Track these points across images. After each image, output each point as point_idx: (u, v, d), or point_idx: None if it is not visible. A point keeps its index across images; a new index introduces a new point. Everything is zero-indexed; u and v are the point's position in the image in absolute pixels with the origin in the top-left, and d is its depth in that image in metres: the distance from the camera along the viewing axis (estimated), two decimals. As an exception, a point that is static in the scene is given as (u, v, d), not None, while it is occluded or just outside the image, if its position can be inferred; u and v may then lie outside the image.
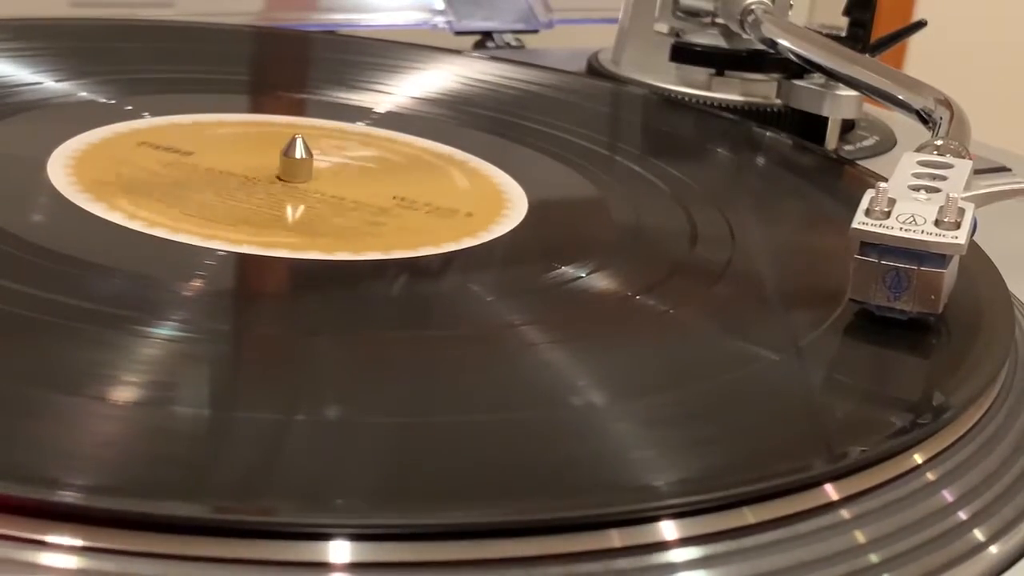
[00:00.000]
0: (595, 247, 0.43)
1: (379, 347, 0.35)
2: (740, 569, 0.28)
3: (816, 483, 0.30)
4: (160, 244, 0.39)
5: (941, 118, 0.48)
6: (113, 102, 0.52)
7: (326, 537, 0.26)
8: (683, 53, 0.64)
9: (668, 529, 0.28)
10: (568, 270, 0.41)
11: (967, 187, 0.40)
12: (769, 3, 0.62)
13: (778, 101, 0.62)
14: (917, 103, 0.52)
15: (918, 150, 0.43)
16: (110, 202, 0.41)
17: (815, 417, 0.34)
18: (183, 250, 0.39)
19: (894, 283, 0.37)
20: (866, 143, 0.63)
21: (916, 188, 0.39)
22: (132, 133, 0.49)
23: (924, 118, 0.51)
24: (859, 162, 0.58)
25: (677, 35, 0.65)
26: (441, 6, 0.79)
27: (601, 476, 0.29)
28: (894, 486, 0.31)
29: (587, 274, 0.40)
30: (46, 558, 0.25)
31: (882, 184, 0.38)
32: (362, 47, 0.64)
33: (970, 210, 0.38)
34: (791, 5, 0.64)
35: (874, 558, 0.29)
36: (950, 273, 0.37)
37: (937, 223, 0.37)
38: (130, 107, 0.51)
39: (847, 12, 0.65)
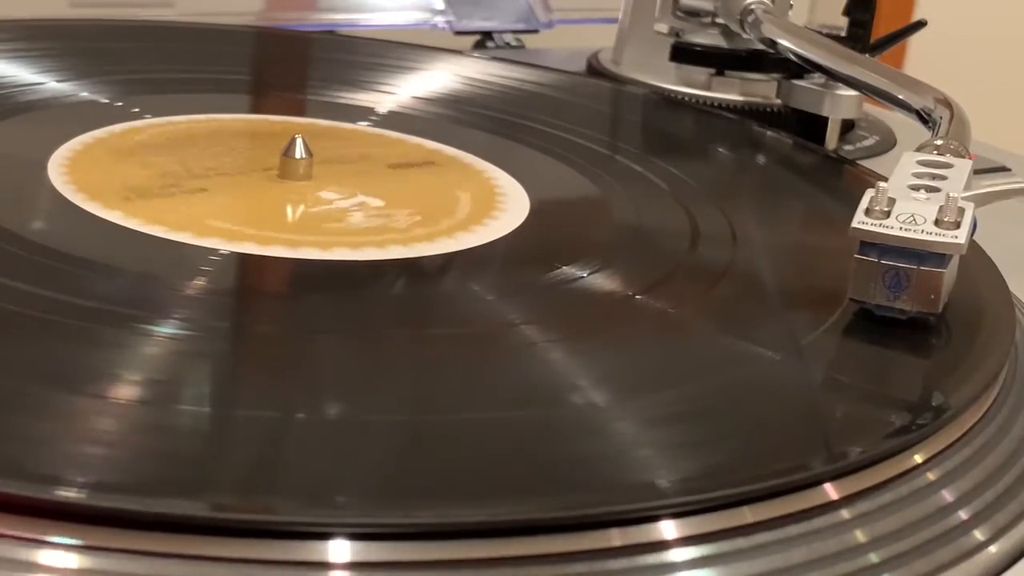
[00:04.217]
0: (596, 247, 0.43)
1: (380, 346, 0.35)
2: (740, 569, 0.28)
3: (816, 483, 0.30)
4: (161, 244, 0.39)
5: (941, 118, 0.48)
6: (113, 102, 0.52)
7: (326, 536, 0.26)
8: (683, 53, 0.64)
9: (668, 528, 0.28)
10: (569, 270, 0.41)
11: (967, 187, 0.40)
12: (769, 3, 0.62)
13: (778, 101, 0.62)
14: (917, 103, 0.52)
15: (918, 150, 0.43)
16: (111, 202, 0.42)
17: (815, 417, 0.34)
18: (184, 250, 0.39)
19: (894, 282, 0.37)
20: (866, 143, 0.63)
21: (916, 188, 0.39)
22: (132, 133, 0.49)
23: (924, 118, 0.51)
24: (859, 162, 0.58)
25: (677, 35, 0.65)
26: (441, 6, 0.79)
27: (601, 475, 0.29)
28: (894, 486, 0.31)
29: (588, 274, 0.40)
30: (46, 556, 0.25)
31: (882, 184, 0.38)
32: (362, 47, 0.65)
33: (970, 210, 0.38)
34: (791, 5, 0.64)
35: (874, 558, 0.29)
36: (950, 273, 0.37)
37: (937, 223, 0.37)
38: (130, 107, 0.51)
39: (847, 12, 0.65)
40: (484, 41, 0.79)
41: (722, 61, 0.64)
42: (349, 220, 0.43)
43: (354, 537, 0.26)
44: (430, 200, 0.46)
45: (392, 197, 0.45)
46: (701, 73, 0.64)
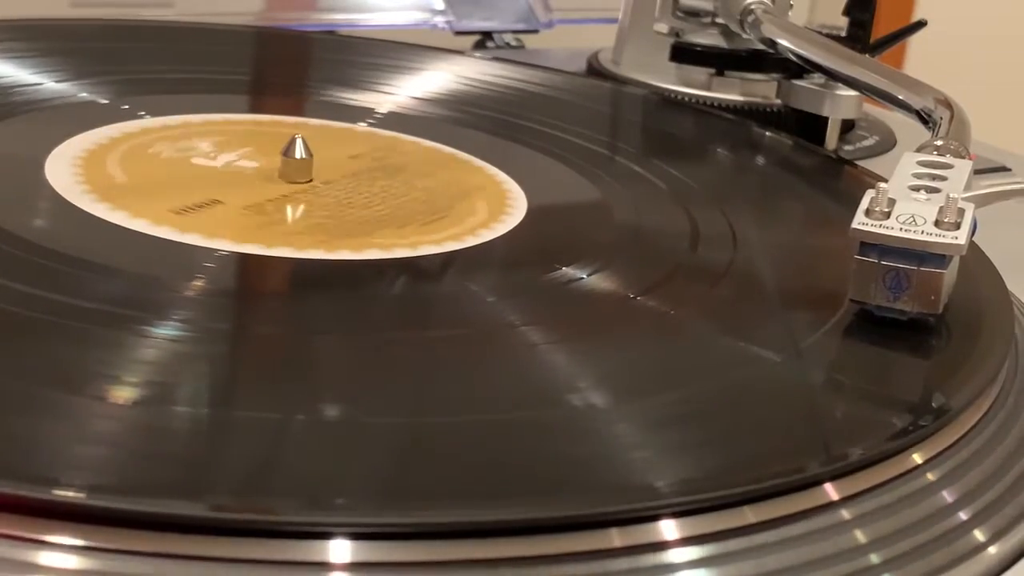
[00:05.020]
0: (595, 247, 0.43)
1: (379, 347, 0.35)
2: (740, 569, 0.28)
3: (816, 483, 0.30)
4: (160, 244, 0.39)
5: (941, 118, 0.48)
6: (113, 102, 0.52)
7: (326, 536, 0.26)
8: (683, 53, 0.64)
9: (668, 529, 0.28)
10: (569, 270, 0.41)
11: (967, 187, 0.40)
12: (769, 3, 0.62)
13: (778, 101, 0.62)
14: (917, 103, 0.52)
15: (918, 150, 0.43)
16: (110, 202, 0.41)
17: (816, 417, 0.34)
18: (183, 250, 0.39)
19: (894, 283, 0.37)
20: (866, 143, 0.63)
21: (916, 188, 0.39)
22: (132, 133, 0.49)
23: (924, 118, 0.51)
24: (859, 162, 0.58)
25: (677, 35, 0.65)
26: (441, 6, 0.79)
27: (601, 476, 0.29)
28: (894, 486, 0.31)
29: (588, 275, 0.40)
30: (46, 557, 0.25)
31: (882, 184, 0.38)
32: (362, 47, 0.64)
33: (970, 210, 0.38)
34: (791, 5, 0.64)
35: (874, 558, 0.29)
36: (950, 273, 0.37)
37: (937, 223, 0.37)
38: (130, 107, 0.51)
39: (847, 12, 0.65)
40: (484, 41, 0.79)
41: (722, 61, 0.64)
42: (350, 221, 0.43)
43: (354, 537, 0.26)
44: (434, 200, 0.46)
45: (394, 198, 0.45)
46: (701, 73, 0.64)
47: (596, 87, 0.64)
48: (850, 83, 0.57)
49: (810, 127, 0.60)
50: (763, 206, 0.52)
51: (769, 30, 0.60)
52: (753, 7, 0.61)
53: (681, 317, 0.39)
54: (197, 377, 0.32)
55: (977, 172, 0.43)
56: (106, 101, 0.52)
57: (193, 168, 0.46)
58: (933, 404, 0.35)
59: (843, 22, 0.65)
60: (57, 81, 0.53)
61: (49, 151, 0.45)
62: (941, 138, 0.45)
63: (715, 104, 0.62)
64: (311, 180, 0.46)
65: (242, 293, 0.39)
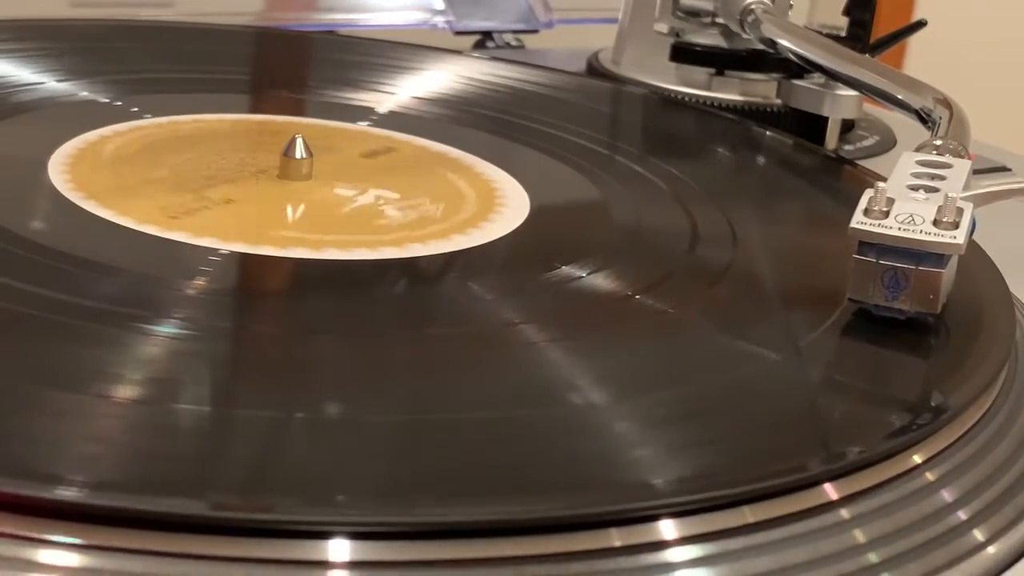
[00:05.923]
0: (595, 247, 0.43)
1: (380, 346, 0.35)
2: (740, 568, 0.28)
3: (815, 483, 0.30)
4: (160, 243, 0.39)
5: (940, 118, 0.48)
6: (113, 102, 0.52)
7: (326, 535, 0.26)
8: (683, 53, 0.64)
9: (667, 528, 0.28)
10: (568, 270, 0.41)
11: (966, 187, 0.40)
12: (769, 3, 0.62)
13: (778, 101, 0.62)
14: (916, 103, 0.52)
15: (917, 150, 0.43)
16: (110, 201, 0.42)
17: (814, 417, 0.34)
18: (183, 249, 0.39)
19: (892, 283, 0.37)
20: (866, 143, 0.63)
21: (915, 188, 0.39)
22: (132, 133, 0.49)
23: (923, 118, 0.51)
24: (859, 162, 0.58)
25: (677, 35, 0.65)
26: (441, 6, 0.79)
27: (600, 475, 0.30)
28: (893, 486, 0.31)
29: (587, 274, 0.41)
30: (46, 555, 0.25)
31: (880, 184, 0.38)
32: (362, 47, 0.65)
33: (969, 210, 0.38)
34: (791, 5, 0.64)
35: (873, 558, 0.29)
36: (948, 273, 0.37)
37: (935, 223, 0.37)
38: (130, 107, 0.51)
39: (847, 12, 0.65)
40: (484, 41, 0.79)
41: (722, 61, 0.64)
42: (351, 221, 0.43)
43: (354, 536, 0.26)
44: (435, 200, 0.46)
45: (395, 198, 0.45)
46: (701, 73, 0.64)
47: (596, 87, 0.64)
48: (850, 83, 0.57)
49: (810, 127, 0.60)
50: (763, 206, 0.52)
51: (769, 30, 0.60)
52: (753, 7, 0.61)
53: (680, 316, 0.39)
54: (197, 376, 0.32)
55: (977, 172, 0.43)
56: (107, 101, 0.52)
57: (193, 168, 0.46)
58: (932, 403, 0.35)
59: (843, 22, 0.65)
60: (57, 81, 0.53)
61: (49, 151, 0.45)
62: (940, 137, 0.45)
63: (715, 104, 0.62)
64: (311, 180, 0.46)
65: (243, 292, 0.39)
